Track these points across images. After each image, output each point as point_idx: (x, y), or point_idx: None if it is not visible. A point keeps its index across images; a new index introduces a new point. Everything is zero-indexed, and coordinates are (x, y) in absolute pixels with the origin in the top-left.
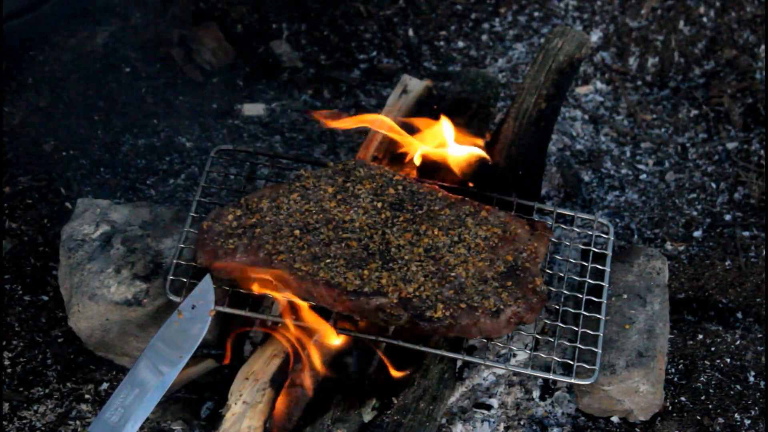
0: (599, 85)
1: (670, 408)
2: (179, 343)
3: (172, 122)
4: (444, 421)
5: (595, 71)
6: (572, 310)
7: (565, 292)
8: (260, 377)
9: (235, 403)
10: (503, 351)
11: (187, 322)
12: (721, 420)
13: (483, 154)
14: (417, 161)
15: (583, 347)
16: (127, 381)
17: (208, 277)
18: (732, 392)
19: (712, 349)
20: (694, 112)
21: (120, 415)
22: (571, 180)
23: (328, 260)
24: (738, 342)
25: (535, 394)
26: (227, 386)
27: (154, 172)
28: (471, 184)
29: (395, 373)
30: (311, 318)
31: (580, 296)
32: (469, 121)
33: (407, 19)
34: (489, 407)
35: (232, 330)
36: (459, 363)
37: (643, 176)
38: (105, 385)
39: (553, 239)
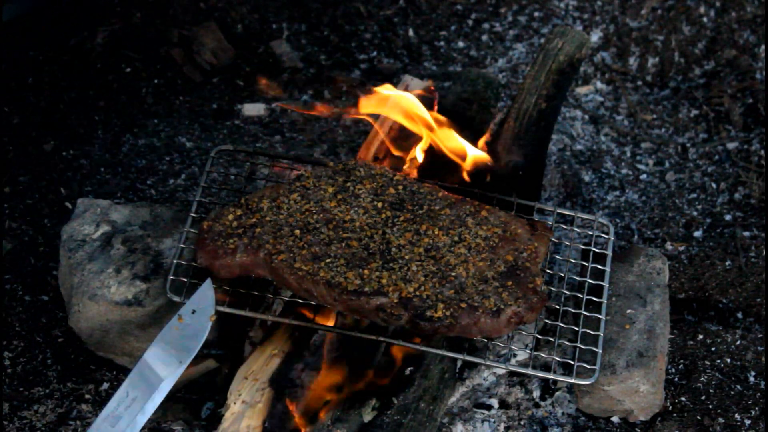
0: (599, 85)
1: (670, 408)
2: (179, 349)
3: (173, 122)
4: (444, 421)
5: (595, 71)
6: (572, 310)
7: (566, 292)
8: (259, 377)
9: (235, 403)
10: (503, 351)
11: (187, 327)
12: (721, 420)
13: (486, 156)
14: (419, 158)
15: (583, 347)
16: (127, 385)
17: (209, 281)
18: (732, 392)
19: (713, 349)
20: (695, 112)
21: (118, 419)
22: (571, 180)
23: (328, 260)
24: (738, 342)
25: (536, 394)
26: (227, 386)
27: (154, 172)
28: (479, 189)
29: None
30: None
31: (581, 296)
32: (469, 122)
33: (407, 19)
34: (489, 407)
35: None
36: (459, 363)
37: (643, 176)
38: (105, 386)
39: (553, 239)
